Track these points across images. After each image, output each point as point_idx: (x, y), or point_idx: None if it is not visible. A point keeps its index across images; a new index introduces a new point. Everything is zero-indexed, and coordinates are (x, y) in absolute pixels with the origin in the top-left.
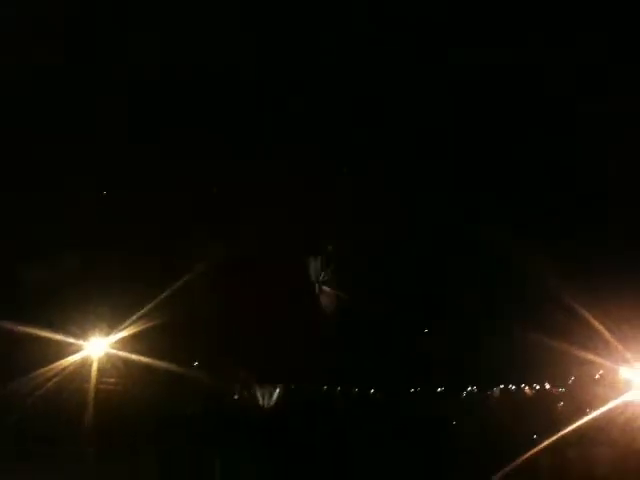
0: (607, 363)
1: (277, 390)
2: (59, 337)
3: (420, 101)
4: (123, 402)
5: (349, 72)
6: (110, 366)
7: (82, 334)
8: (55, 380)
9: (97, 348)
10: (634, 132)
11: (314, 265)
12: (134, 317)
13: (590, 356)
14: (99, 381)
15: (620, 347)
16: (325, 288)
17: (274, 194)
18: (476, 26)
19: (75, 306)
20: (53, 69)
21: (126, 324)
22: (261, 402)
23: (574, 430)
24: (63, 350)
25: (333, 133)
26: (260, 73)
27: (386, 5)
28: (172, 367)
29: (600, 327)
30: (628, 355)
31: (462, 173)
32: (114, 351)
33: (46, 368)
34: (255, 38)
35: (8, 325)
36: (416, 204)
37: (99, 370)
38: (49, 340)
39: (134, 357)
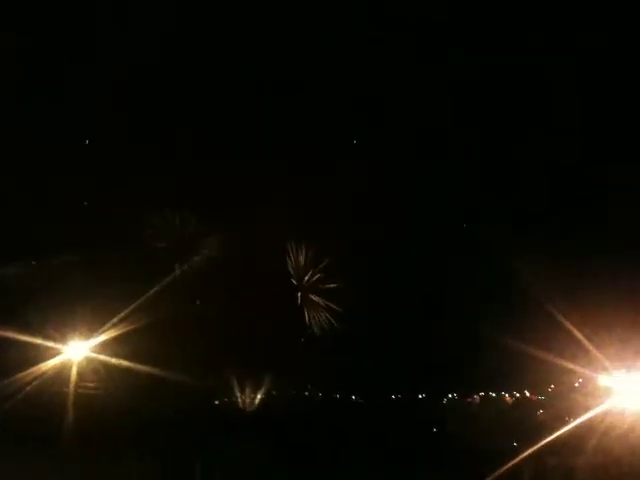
0: (586, 371)
1: (258, 393)
2: (39, 340)
3: (420, 101)
4: (103, 405)
5: (349, 72)
6: (90, 369)
7: (62, 337)
8: (35, 383)
9: (77, 351)
10: (634, 132)
11: (300, 266)
12: (114, 320)
13: (569, 364)
14: (79, 384)
15: (599, 355)
16: (311, 292)
17: (270, 193)
18: (476, 26)
19: (55, 309)
20: (53, 69)
21: (106, 327)
22: (242, 405)
23: (554, 438)
24: (43, 353)
25: (333, 133)
26: (260, 73)
27: (386, 5)
28: (152, 370)
29: (579, 335)
30: (607, 363)
31: (461, 172)
32: (94, 354)
33: (26, 371)
34: (255, 38)
35: None
36: (414, 204)
37: (79, 373)
38: (29, 343)
39: (114, 360)
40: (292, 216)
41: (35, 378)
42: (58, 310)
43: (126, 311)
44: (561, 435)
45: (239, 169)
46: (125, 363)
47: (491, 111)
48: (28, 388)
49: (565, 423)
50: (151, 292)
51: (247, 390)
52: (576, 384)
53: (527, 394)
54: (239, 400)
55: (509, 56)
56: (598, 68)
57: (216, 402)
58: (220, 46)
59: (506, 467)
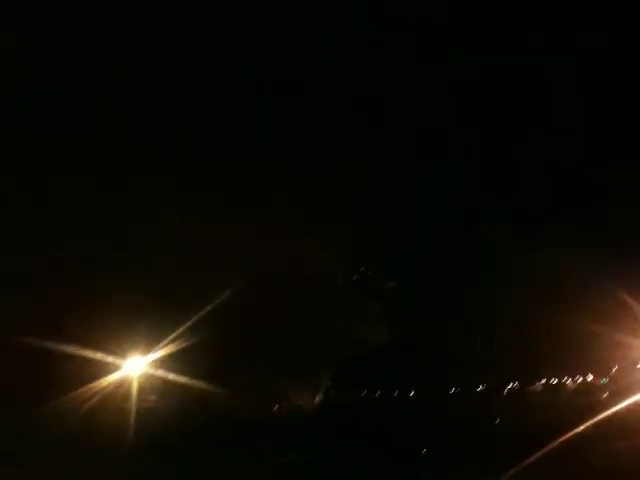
0: None
1: (316, 400)
2: (98, 356)
3: (420, 101)
4: (163, 421)
5: (349, 72)
6: (149, 385)
7: (121, 353)
8: (95, 399)
9: (136, 367)
10: (634, 132)
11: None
12: (172, 336)
13: (631, 340)
14: (139, 400)
15: None
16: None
17: (288, 197)
18: (476, 26)
19: (114, 325)
20: (53, 69)
21: (164, 343)
22: (301, 416)
23: (621, 420)
24: (102, 369)
25: (333, 133)
26: (260, 73)
27: (386, 5)
28: (210, 387)
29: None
30: None
31: (462, 172)
32: (153, 370)
33: (86, 387)
34: (255, 38)
35: (48, 344)
36: (415, 205)
37: (138, 389)
38: (88, 359)
39: (172, 376)
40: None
41: (95, 393)
42: (118, 326)
43: (184, 326)
44: (628, 417)
45: (239, 169)
46: (184, 379)
47: (490, 111)
48: (89, 403)
49: (631, 405)
50: (209, 307)
51: (306, 395)
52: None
53: (590, 377)
54: (300, 403)
55: (509, 56)
56: (598, 68)
57: (274, 412)
58: (220, 46)
59: (573, 454)
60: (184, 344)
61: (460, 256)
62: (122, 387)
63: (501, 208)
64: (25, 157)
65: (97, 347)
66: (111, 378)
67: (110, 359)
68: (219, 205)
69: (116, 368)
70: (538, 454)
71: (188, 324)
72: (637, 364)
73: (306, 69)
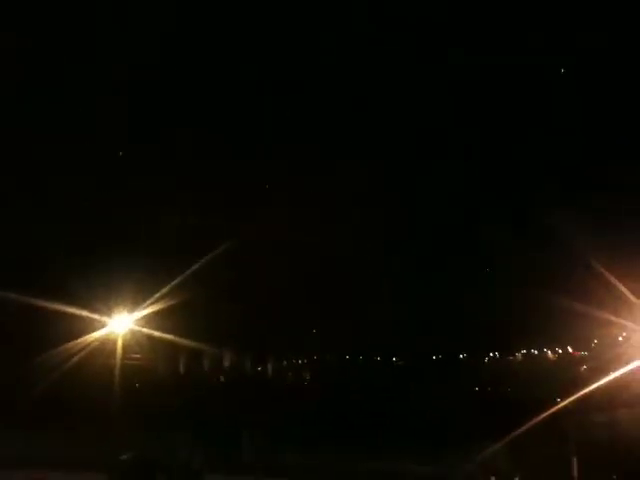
0: (629, 324)
1: (299, 360)
2: (85, 313)
3: (420, 101)
4: (147, 377)
5: (349, 72)
6: (134, 342)
7: (107, 311)
8: (81, 354)
9: (121, 324)
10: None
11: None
12: (157, 295)
13: (612, 318)
14: (123, 356)
15: None
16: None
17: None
18: (476, 26)
19: (101, 284)
20: (53, 69)
21: (150, 302)
22: (281, 376)
23: (599, 393)
24: (89, 326)
25: (333, 132)
26: (260, 73)
27: (386, 5)
28: (194, 344)
29: (622, 288)
30: None
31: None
32: (138, 328)
33: (72, 343)
34: (255, 38)
35: (37, 301)
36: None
37: (123, 346)
38: (75, 316)
39: (158, 334)
40: None
41: (81, 349)
42: (105, 285)
43: (169, 286)
44: (606, 390)
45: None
46: (169, 336)
47: (491, 111)
48: (75, 358)
49: (608, 377)
50: (194, 268)
51: (290, 356)
52: (620, 338)
53: (570, 350)
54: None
55: (509, 56)
56: (598, 68)
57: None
58: (220, 46)
59: (550, 423)
60: (169, 303)
61: (455, 243)
62: (107, 344)
63: (495, 198)
64: (25, 157)
65: (84, 304)
66: (96, 335)
67: (96, 316)
68: (211, 172)
69: (102, 325)
70: (519, 421)
71: (173, 283)
72: (618, 341)
73: (306, 69)
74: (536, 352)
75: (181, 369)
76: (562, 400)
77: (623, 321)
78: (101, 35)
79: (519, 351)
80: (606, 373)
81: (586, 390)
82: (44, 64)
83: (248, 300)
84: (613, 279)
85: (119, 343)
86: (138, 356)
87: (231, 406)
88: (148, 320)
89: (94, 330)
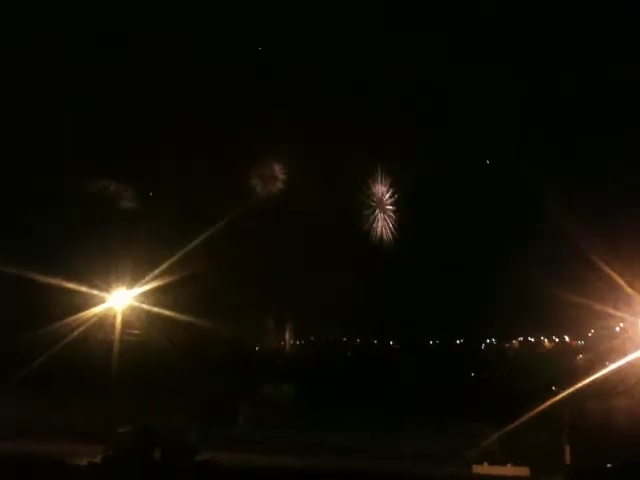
0: (627, 316)
1: (296, 339)
2: (84, 288)
3: (423, 101)
4: (146, 352)
5: (350, 72)
6: (134, 318)
7: (106, 286)
8: (81, 329)
9: (121, 300)
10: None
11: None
12: (157, 271)
13: (610, 309)
14: (123, 331)
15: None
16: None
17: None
18: (476, 26)
19: (100, 259)
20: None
21: (149, 277)
22: (281, 350)
23: (593, 381)
24: (88, 301)
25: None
26: (260, 73)
27: (387, 5)
28: (194, 319)
29: (620, 281)
30: None
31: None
32: (137, 303)
33: (72, 317)
34: (255, 38)
35: (37, 276)
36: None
37: (123, 321)
38: (75, 291)
39: (156, 309)
40: None
41: (81, 324)
42: (104, 260)
43: (169, 262)
44: (600, 379)
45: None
46: (167, 312)
47: (492, 111)
48: (74, 333)
49: (605, 367)
50: (193, 243)
51: (286, 336)
52: (617, 329)
53: (567, 339)
54: (279, 345)
55: (510, 56)
56: (598, 68)
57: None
58: (221, 46)
59: (545, 410)
60: (169, 279)
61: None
62: (107, 319)
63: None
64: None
65: (83, 280)
66: (96, 310)
67: (95, 292)
68: (207, 147)
69: (101, 301)
70: (513, 407)
71: (173, 259)
72: (615, 332)
73: (306, 69)
74: (532, 340)
75: (179, 344)
76: (558, 388)
77: (620, 313)
78: (101, 35)
79: (516, 338)
80: (602, 363)
81: (582, 379)
82: (44, 64)
83: (248, 276)
84: (612, 271)
85: (119, 318)
86: (137, 332)
87: (228, 380)
88: (148, 296)
89: (95, 305)
